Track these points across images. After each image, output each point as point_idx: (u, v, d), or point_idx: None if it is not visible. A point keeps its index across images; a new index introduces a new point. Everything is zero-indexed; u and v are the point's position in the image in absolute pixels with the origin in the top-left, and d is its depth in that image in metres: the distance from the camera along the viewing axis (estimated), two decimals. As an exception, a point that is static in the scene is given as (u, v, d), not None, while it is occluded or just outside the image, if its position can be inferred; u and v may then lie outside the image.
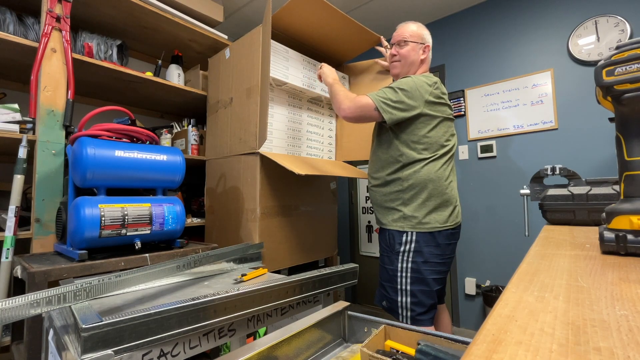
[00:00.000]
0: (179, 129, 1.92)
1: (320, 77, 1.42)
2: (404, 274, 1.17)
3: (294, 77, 1.52)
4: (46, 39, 1.21)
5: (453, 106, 2.30)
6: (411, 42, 1.30)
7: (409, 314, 1.15)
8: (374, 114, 1.18)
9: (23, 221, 1.22)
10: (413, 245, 1.16)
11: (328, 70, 1.39)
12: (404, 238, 1.18)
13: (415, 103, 1.17)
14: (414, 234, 1.17)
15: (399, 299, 1.17)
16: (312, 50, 1.70)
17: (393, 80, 1.36)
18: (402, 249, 1.18)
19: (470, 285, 2.34)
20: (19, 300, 0.55)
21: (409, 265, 1.16)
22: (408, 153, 1.20)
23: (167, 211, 1.17)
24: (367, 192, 1.44)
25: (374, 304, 1.27)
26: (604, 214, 0.53)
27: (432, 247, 1.16)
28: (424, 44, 1.31)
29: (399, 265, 1.18)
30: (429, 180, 1.18)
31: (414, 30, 1.31)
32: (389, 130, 1.24)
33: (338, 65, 1.88)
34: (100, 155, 1.03)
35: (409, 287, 1.16)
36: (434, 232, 1.16)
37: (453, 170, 1.26)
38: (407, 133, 1.21)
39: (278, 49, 1.46)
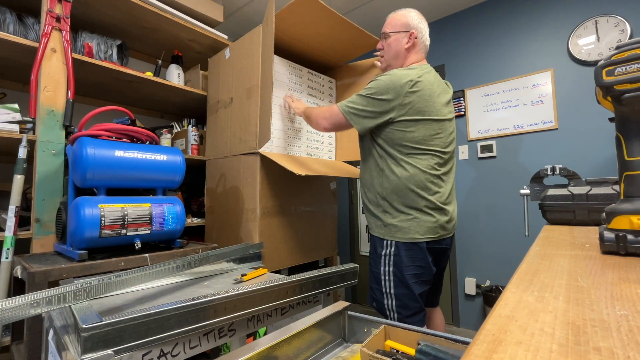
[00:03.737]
0: (179, 129, 1.92)
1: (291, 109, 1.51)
2: (386, 277, 1.15)
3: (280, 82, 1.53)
4: (46, 39, 1.21)
5: (453, 106, 2.30)
6: (393, 32, 1.22)
7: (396, 316, 1.13)
8: (347, 123, 1.17)
9: (23, 221, 1.22)
10: (393, 249, 1.13)
11: (295, 104, 1.47)
12: (384, 243, 1.15)
13: (385, 107, 1.10)
14: (393, 242, 1.13)
15: (385, 301, 1.15)
16: (310, 52, 1.70)
17: None
18: (383, 252, 1.15)
19: (470, 285, 2.34)
20: (19, 300, 0.55)
21: (390, 268, 1.14)
22: (386, 157, 1.14)
23: (167, 211, 1.17)
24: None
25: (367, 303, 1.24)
26: (604, 214, 0.53)
27: (412, 251, 1.11)
28: (408, 31, 1.20)
29: (382, 268, 1.16)
30: (409, 186, 1.10)
31: (396, 19, 1.23)
32: (367, 133, 1.19)
33: (335, 67, 1.88)
34: (100, 155, 1.03)
35: (392, 290, 1.14)
36: (415, 242, 1.11)
37: (449, 178, 1.18)
38: (384, 136, 1.14)
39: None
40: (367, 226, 1.32)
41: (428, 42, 1.25)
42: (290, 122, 1.56)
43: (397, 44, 1.22)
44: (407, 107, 1.09)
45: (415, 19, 1.22)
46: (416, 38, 1.21)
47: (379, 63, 1.31)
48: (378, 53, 1.30)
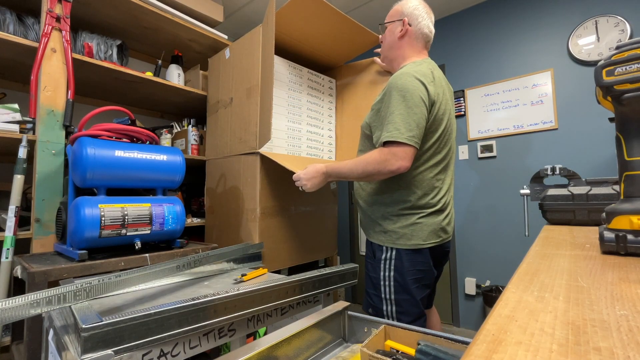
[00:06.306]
0: (179, 129, 1.92)
1: (308, 185, 1.18)
2: (387, 283, 1.09)
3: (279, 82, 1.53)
4: (46, 39, 1.21)
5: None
6: (387, 23, 1.18)
7: (396, 322, 1.11)
8: (412, 149, 1.00)
9: (23, 221, 1.22)
10: (394, 253, 1.09)
11: (307, 173, 1.18)
12: (384, 248, 1.11)
13: (425, 112, 1.01)
14: (394, 248, 1.09)
15: (384, 307, 1.10)
16: (310, 51, 1.70)
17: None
18: (383, 256, 1.11)
19: (470, 285, 2.34)
20: (19, 300, 0.55)
21: (391, 273, 1.09)
22: None
23: (167, 211, 1.17)
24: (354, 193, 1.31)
25: (362, 309, 1.20)
26: (604, 214, 0.53)
27: (415, 255, 1.08)
28: (401, 19, 1.14)
29: (382, 273, 1.11)
30: (410, 188, 1.07)
31: (394, 9, 1.18)
32: (372, 135, 1.13)
33: (335, 67, 1.87)
34: (100, 155, 1.03)
35: (392, 296, 1.08)
36: (415, 249, 1.08)
37: (447, 178, 1.13)
38: None
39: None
40: (366, 227, 1.30)
41: (428, 31, 1.15)
42: (290, 122, 1.56)
43: (391, 34, 1.18)
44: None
45: (409, 6, 1.15)
46: (409, 25, 1.14)
47: (378, 59, 1.29)
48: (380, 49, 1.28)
